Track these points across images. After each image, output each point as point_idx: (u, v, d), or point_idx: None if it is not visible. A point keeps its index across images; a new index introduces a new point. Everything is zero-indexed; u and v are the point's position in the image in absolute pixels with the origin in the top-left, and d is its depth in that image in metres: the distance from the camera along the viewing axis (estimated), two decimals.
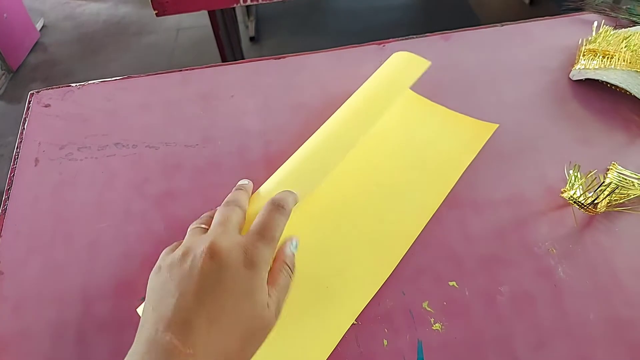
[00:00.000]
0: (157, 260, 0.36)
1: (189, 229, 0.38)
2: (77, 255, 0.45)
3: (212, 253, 0.32)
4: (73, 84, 0.59)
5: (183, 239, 0.44)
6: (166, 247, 0.36)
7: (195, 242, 0.35)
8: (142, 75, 0.60)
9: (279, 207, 0.37)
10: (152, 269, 0.35)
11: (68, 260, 0.44)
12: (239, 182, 0.43)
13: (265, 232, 0.35)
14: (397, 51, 0.56)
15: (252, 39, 2.08)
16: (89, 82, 0.60)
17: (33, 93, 0.58)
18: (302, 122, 0.54)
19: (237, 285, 0.32)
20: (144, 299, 0.41)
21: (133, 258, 0.44)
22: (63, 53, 2.14)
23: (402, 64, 0.54)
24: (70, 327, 0.40)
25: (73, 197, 0.49)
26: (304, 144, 0.47)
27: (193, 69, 0.61)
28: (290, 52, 0.62)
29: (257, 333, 0.32)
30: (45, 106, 0.57)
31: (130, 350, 0.30)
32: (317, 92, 0.58)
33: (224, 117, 0.55)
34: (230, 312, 0.31)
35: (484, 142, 0.51)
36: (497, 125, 0.52)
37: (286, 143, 0.52)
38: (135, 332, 0.31)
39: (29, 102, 0.58)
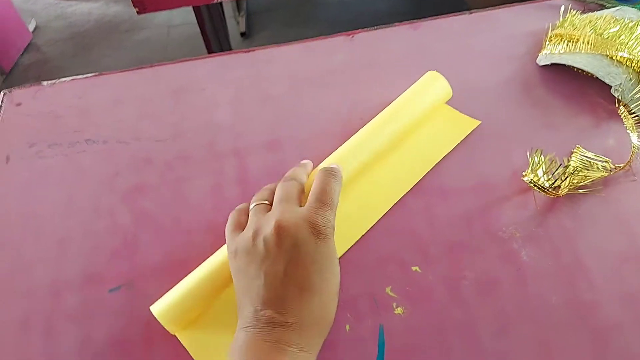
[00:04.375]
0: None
1: (251, 207, 0.39)
2: (47, 251, 0.45)
3: (281, 231, 0.34)
4: (44, 82, 0.60)
5: (152, 232, 0.45)
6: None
7: (261, 222, 0.36)
8: (113, 72, 0.60)
9: (331, 174, 0.39)
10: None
11: (37, 256, 0.45)
12: (301, 162, 0.45)
13: (324, 198, 0.37)
14: (367, 42, 0.56)
15: (243, 34, 2.07)
16: (60, 79, 0.60)
17: (5, 92, 0.59)
18: (271, 114, 0.55)
19: (314, 256, 0.34)
20: (112, 290, 0.42)
21: (102, 251, 0.45)
22: (55, 52, 2.14)
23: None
24: (39, 319, 0.41)
25: (43, 194, 0.49)
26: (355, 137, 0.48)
27: (164, 64, 0.61)
28: None
29: (338, 287, 0.36)
30: (17, 105, 0.57)
31: (239, 324, 0.34)
32: (286, 84, 0.58)
33: (195, 111, 0.56)
34: (315, 278, 0.34)
35: (463, 137, 0.51)
36: (480, 122, 0.52)
37: (255, 135, 0.53)
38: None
39: (2, 102, 0.58)
